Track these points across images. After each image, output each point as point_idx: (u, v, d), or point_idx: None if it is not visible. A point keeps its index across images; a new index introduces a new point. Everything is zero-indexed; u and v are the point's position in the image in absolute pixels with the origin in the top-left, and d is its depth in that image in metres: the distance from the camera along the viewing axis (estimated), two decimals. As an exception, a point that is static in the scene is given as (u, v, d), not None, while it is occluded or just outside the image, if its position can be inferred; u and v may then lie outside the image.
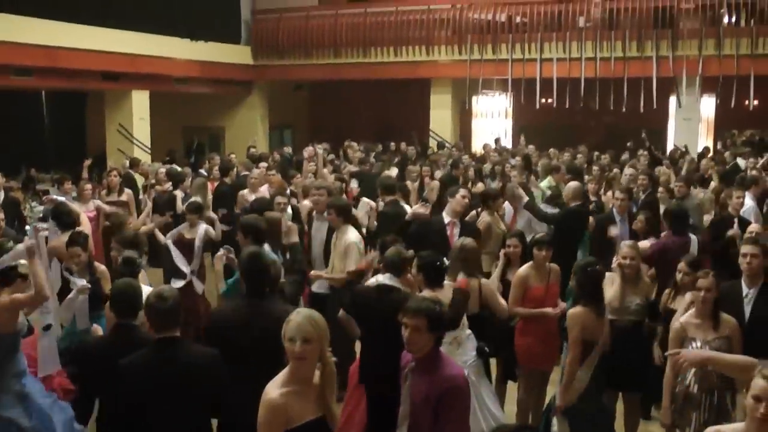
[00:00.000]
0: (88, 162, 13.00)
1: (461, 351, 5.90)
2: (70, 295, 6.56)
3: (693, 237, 8.01)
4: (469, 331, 6.07)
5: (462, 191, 8.58)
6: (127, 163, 14.55)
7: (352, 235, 7.65)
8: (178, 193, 11.03)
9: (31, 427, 5.67)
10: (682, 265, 6.34)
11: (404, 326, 4.29)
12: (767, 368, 3.54)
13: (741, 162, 13.95)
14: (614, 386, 6.29)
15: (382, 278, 5.87)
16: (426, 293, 5.80)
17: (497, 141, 19.23)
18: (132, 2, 17.72)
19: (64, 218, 8.32)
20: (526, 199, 9.39)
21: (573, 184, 9.34)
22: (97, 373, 4.81)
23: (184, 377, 4.37)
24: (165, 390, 4.37)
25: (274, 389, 3.88)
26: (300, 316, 3.92)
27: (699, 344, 5.41)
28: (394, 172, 12.94)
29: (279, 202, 8.91)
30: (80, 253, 7.03)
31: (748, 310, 5.87)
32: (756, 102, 17.74)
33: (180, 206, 10.35)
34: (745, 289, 5.97)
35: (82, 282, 6.62)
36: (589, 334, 5.65)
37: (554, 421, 5.84)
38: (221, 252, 6.60)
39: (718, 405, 5.40)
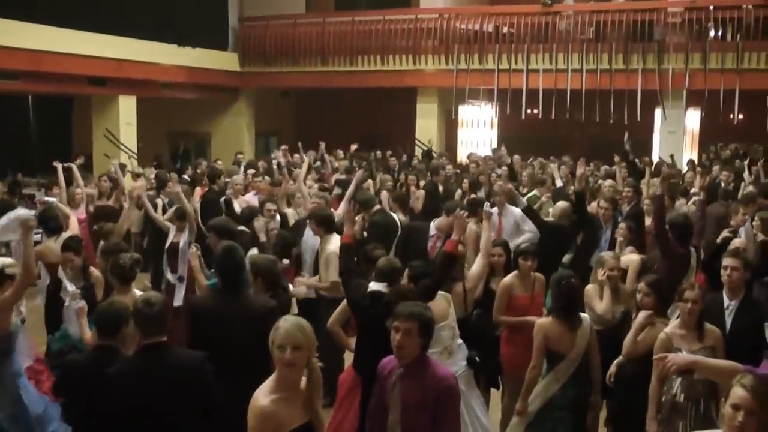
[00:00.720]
0: (80, 161, 12.82)
1: (451, 361, 5.89)
2: (66, 303, 6.55)
3: (693, 250, 8.00)
4: (460, 341, 6.07)
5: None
6: (112, 168, 14.42)
7: (332, 245, 7.71)
8: (159, 201, 10.95)
9: (22, 427, 5.73)
10: (642, 286, 6.04)
11: (395, 330, 4.32)
12: (745, 378, 3.56)
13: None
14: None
15: (375, 286, 5.88)
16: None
17: (495, 151, 19.17)
18: (120, 8, 17.64)
19: (50, 223, 8.28)
20: (520, 198, 9.40)
21: (561, 204, 9.25)
22: (77, 394, 4.92)
23: (172, 381, 4.40)
24: (154, 395, 4.39)
25: (263, 396, 3.89)
26: (288, 323, 3.93)
27: (684, 354, 5.39)
28: (387, 182, 12.87)
29: (269, 209, 8.90)
30: (73, 258, 7.04)
31: (729, 321, 5.98)
32: (741, 116, 17.81)
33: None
34: (726, 301, 6.08)
35: (72, 288, 6.63)
36: (554, 344, 5.80)
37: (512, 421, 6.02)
38: (193, 249, 6.98)
39: (704, 414, 5.42)
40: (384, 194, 10.19)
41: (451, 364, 5.83)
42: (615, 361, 5.86)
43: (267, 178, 13.05)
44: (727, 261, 6.11)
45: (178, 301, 8.51)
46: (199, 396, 4.43)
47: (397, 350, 4.34)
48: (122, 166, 14.87)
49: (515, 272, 6.91)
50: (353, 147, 17.88)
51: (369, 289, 5.91)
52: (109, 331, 4.94)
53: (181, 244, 8.81)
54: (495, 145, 20.88)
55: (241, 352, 4.90)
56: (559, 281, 5.92)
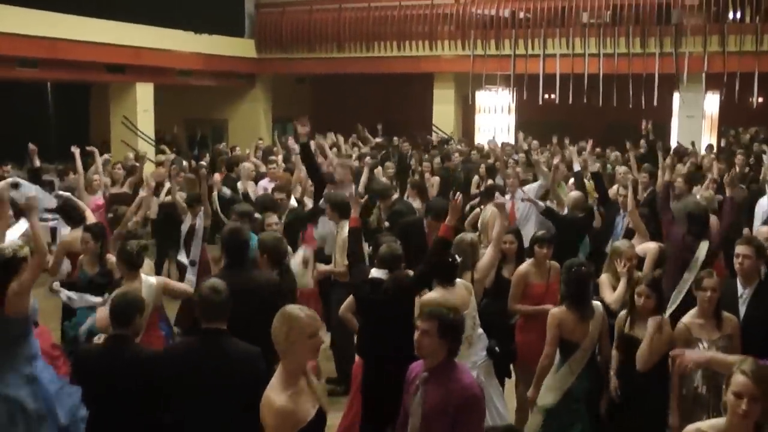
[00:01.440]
0: (94, 150, 12.80)
1: (472, 351, 5.84)
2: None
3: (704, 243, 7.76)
4: (480, 331, 6.03)
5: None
6: (131, 156, 14.44)
7: (347, 230, 7.60)
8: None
9: (35, 409, 5.72)
10: (642, 288, 5.60)
11: (416, 329, 4.27)
12: (745, 363, 3.50)
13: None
14: None
15: (376, 273, 5.86)
16: (437, 291, 5.82)
17: (491, 141, 19.05)
18: (137, -5, 17.65)
19: (72, 213, 8.27)
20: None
21: (575, 194, 9.16)
22: (92, 383, 4.92)
23: (226, 369, 4.47)
24: (205, 379, 4.49)
25: (277, 395, 3.85)
26: (305, 311, 3.99)
27: (705, 344, 5.38)
28: (389, 168, 12.74)
29: (278, 197, 8.83)
30: (89, 240, 7.08)
31: (743, 310, 5.87)
32: (760, 99, 17.61)
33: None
34: (740, 289, 5.97)
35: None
36: (568, 334, 5.72)
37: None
38: None
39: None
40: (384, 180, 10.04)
41: (471, 354, 5.82)
42: (614, 355, 5.79)
43: (282, 164, 13.01)
44: (739, 249, 6.01)
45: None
46: (247, 388, 4.39)
47: (417, 349, 4.27)
48: (141, 154, 14.92)
49: (531, 260, 6.85)
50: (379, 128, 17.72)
51: (370, 275, 5.90)
52: (123, 320, 4.93)
53: (196, 228, 8.85)
54: (512, 131, 20.82)
55: (245, 323, 4.88)
56: (570, 269, 5.84)
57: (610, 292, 6.48)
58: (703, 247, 7.37)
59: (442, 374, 4.21)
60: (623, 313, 5.81)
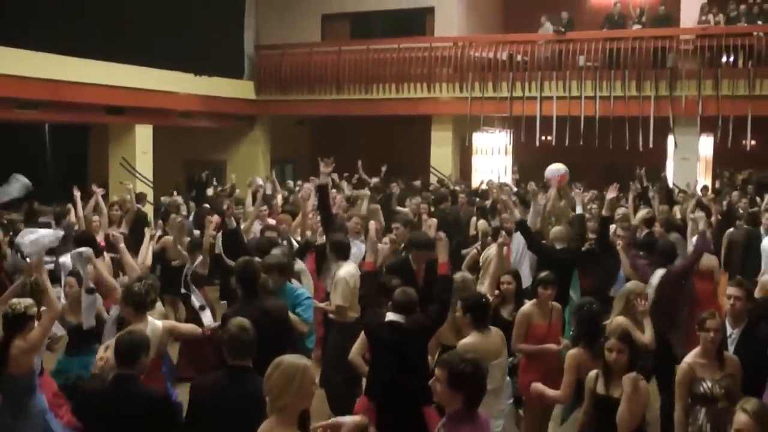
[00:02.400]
0: (101, 191, 12.76)
1: (499, 400, 5.89)
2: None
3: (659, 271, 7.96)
4: (508, 379, 6.06)
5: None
6: (128, 197, 14.35)
7: (343, 270, 7.90)
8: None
9: None
10: (612, 343, 5.29)
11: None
12: (748, 403, 3.56)
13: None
14: None
15: (392, 316, 5.87)
16: (474, 336, 5.92)
17: (489, 182, 19.19)
18: (136, 37, 17.76)
19: (91, 246, 8.34)
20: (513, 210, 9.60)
21: (557, 228, 9.26)
22: (96, 423, 4.95)
23: (252, 407, 4.46)
24: (231, 414, 4.63)
25: None
26: (301, 358, 4.13)
27: (709, 384, 5.43)
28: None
29: (269, 237, 9.03)
30: (73, 284, 7.16)
31: (731, 349, 5.98)
32: (753, 142, 17.84)
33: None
34: (729, 329, 6.11)
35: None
36: (584, 374, 5.69)
37: None
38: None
39: None
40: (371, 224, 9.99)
41: (498, 404, 5.91)
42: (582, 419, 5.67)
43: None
44: (730, 290, 6.18)
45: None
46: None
47: (434, 395, 4.25)
48: (142, 196, 14.96)
49: (534, 301, 6.92)
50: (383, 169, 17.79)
51: (387, 319, 5.91)
52: (129, 360, 4.94)
53: (193, 273, 8.95)
54: (510, 172, 20.93)
55: (263, 349, 4.96)
56: (581, 308, 5.93)
57: (640, 333, 6.53)
58: (658, 273, 7.80)
59: (458, 424, 4.10)
60: (593, 372, 5.48)
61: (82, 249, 7.04)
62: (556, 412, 6.27)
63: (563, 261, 8.32)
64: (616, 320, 6.54)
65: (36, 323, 5.91)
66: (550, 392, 5.96)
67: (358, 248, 8.95)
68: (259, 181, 13.60)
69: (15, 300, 5.96)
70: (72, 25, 16.33)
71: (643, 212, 11.24)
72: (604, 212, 9.44)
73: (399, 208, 13.20)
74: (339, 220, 9.88)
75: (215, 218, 10.89)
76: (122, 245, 7.56)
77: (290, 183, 18.25)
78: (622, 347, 5.22)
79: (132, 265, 7.49)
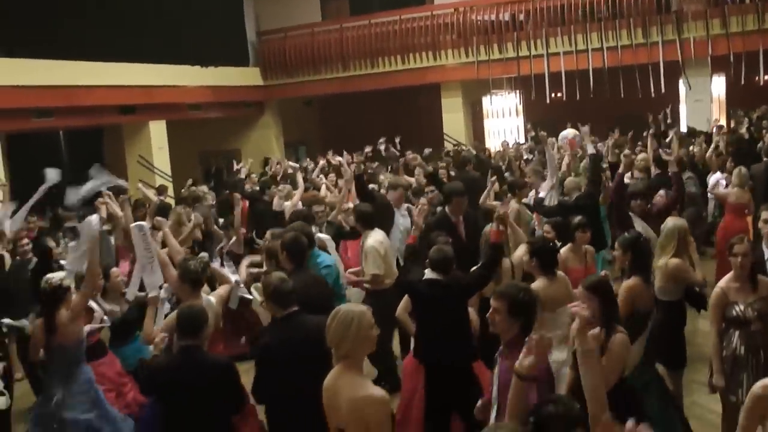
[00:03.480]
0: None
1: (565, 349, 5.93)
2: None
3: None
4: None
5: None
6: (150, 192, 14.59)
7: (370, 239, 7.98)
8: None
9: (108, 430, 6.19)
10: (581, 291, 4.87)
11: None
12: None
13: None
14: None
15: (430, 274, 6.10)
16: (541, 281, 6.08)
17: (504, 142, 19.45)
18: (141, 35, 18.11)
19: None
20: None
21: (569, 180, 9.81)
22: (167, 394, 5.20)
23: (313, 341, 4.76)
24: (297, 354, 5.04)
25: (371, 386, 4.07)
26: (358, 306, 4.36)
27: (741, 307, 5.65)
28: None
29: (317, 211, 9.18)
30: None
31: None
32: (766, 77, 17.92)
33: None
34: (766, 253, 6.38)
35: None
36: (640, 303, 5.78)
37: None
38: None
39: (765, 364, 5.61)
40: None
41: (562, 352, 5.98)
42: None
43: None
44: (765, 214, 6.42)
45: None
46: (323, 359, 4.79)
47: (491, 326, 4.49)
48: (163, 188, 15.31)
49: (569, 245, 7.20)
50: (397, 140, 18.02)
51: (425, 277, 6.14)
52: (192, 331, 5.19)
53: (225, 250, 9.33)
54: (522, 133, 21.18)
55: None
56: (636, 240, 6.05)
57: (693, 272, 6.70)
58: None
59: (516, 348, 4.22)
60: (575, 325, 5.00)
61: (140, 223, 7.26)
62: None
63: (582, 207, 8.55)
64: (672, 262, 6.58)
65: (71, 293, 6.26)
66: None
67: (403, 216, 9.45)
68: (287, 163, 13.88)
69: (49, 275, 6.35)
70: (76, 30, 16.61)
71: (641, 156, 11.63)
72: (610, 158, 9.74)
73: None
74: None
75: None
76: (166, 229, 7.88)
77: (308, 162, 18.41)
78: (590, 296, 4.71)
79: (177, 248, 7.76)
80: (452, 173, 13.04)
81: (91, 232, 6.38)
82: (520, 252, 6.93)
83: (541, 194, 9.86)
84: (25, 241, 9.26)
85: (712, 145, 13.00)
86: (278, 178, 14.65)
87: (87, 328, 6.55)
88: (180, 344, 5.26)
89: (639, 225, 7.89)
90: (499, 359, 4.49)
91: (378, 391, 4.03)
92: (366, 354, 4.24)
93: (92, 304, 6.91)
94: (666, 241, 6.67)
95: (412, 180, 12.59)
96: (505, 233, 6.97)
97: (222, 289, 6.68)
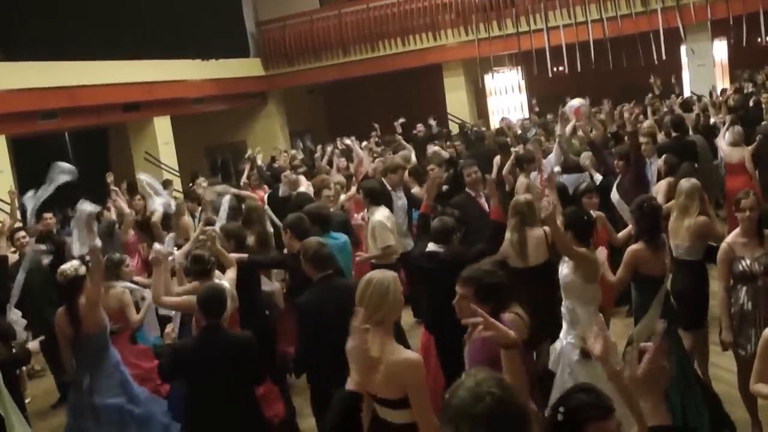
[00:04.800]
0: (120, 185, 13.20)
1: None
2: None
3: None
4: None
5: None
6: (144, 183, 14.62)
7: (377, 214, 8.20)
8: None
9: (139, 412, 6.38)
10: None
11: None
12: None
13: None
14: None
15: (431, 246, 6.25)
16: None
17: (504, 119, 19.56)
18: (139, 31, 18.24)
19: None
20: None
21: (586, 154, 9.99)
22: (192, 373, 5.34)
23: (346, 299, 4.81)
24: (336, 310, 4.93)
25: (407, 351, 4.18)
26: (385, 272, 4.45)
27: (748, 261, 5.75)
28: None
29: (327, 195, 9.27)
30: None
31: None
32: (768, 38, 18.00)
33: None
34: None
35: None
36: (647, 269, 5.83)
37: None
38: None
39: None
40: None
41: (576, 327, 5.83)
42: None
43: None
44: None
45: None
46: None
47: (458, 314, 4.22)
48: (168, 182, 15.49)
49: None
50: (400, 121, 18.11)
51: (426, 249, 6.25)
52: (215, 312, 5.35)
53: None
54: (526, 109, 21.27)
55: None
56: (642, 205, 6.03)
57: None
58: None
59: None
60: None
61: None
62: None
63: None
64: (699, 220, 6.56)
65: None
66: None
67: (400, 199, 9.55)
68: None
69: (63, 267, 6.46)
70: (78, 30, 16.77)
71: (647, 123, 11.75)
72: (617, 126, 9.88)
73: (432, 148, 13.61)
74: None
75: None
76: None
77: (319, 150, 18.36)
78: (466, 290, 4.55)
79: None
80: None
81: (80, 214, 6.44)
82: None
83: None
84: (22, 234, 9.35)
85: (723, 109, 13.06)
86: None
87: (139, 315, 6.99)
88: (202, 325, 5.42)
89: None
90: (468, 341, 4.33)
91: (415, 355, 4.12)
92: (396, 319, 4.33)
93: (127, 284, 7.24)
94: (688, 201, 6.67)
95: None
96: (504, 210, 6.99)
97: (231, 272, 6.73)
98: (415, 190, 10.05)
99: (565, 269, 5.71)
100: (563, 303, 5.81)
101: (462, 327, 5.50)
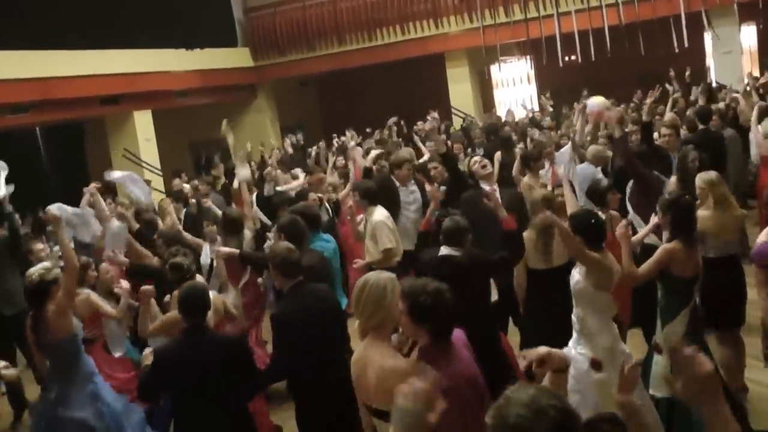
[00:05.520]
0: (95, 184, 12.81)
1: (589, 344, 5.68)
2: None
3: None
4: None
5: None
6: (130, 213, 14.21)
7: (377, 214, 8.14)
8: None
9: (104, 427, 6.11)
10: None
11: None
12: None
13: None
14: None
15: (445, 250, 5.95)
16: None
17: (509, 112, 19.19)
18: (120, 20, 17.95)
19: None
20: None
21: (593, 147, 9.67)
22: (176, 375, 5.06)
23: (324, 305, 5.33)
24: (320, 316, 5.24)
25: (400, 358, 4.03)
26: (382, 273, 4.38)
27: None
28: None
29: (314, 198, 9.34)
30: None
31: None
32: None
33: None
34: None
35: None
36: (681, 269, 5.73)
37: (656, 358, 5.84)
38: None
39: None
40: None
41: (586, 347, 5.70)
42: None
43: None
44: None
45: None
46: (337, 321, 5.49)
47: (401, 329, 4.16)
48: (147, 182, 14.95)
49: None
50: (393, 120, 17.71)
51: (439, 254, 5.97)
52: (196, 310, 5.15)
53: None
54: (536, 101, 20.81)
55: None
56: (677, 202, 5.92)
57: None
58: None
59: (428, 359, 3.92)
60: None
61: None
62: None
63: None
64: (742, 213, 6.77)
65: (58, 286, 6.15)
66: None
67: (412, 193, 9.37)
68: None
69: (30, 270, 6.27)
70: (50, 17, 16.39)
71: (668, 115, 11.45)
72: (644, 117, 9.64)
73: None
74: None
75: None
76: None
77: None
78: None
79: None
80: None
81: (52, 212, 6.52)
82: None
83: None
84: None
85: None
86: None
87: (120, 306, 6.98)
88: (184, 327, 5.22)
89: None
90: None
91: (404, 362, 3.98)
92: (395, 323, 4.14)
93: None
94: (725, 190, 6.76)
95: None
96: (517, 212, 6.92)
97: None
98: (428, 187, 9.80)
99: (576, 275, 5.59)
100: (573, 311, 5.66)
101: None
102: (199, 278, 6.73)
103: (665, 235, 6.13)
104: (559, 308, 5.86)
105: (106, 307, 7.11)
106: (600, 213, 6.59)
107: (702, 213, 6.47)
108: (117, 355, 7.31)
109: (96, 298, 7.13)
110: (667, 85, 15.09)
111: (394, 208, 8.89)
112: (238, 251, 7.63)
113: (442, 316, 4.00)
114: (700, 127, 10.80)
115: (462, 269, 5.72)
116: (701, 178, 6.83)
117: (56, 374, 6.23)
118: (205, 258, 8.39)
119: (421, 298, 3.94)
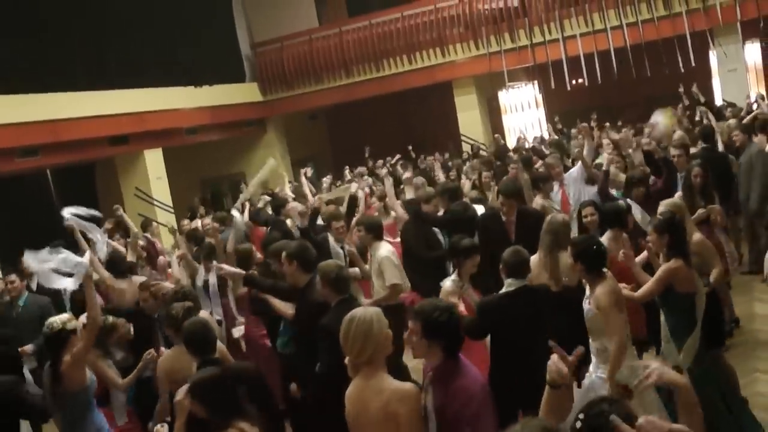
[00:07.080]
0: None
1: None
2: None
3: None
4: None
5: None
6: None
7: (383, 250, 8.23)
8: None
9: None
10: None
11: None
12: None
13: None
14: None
15: (515, 283, 5.86)
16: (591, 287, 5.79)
17: (520, 139, 19.31)
18: (128, 59, 18.10)
19: (118, 266, 9.00)
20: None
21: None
22: None
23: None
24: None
25: (398, 382, 4.18)
26: (369, 309, 4.46)
27: None
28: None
29: (336, 227, 9.16)
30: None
31: None
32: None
33: None
34: None
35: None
36: (685, 286, 5.81)
37: None
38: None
39: None
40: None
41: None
42: None
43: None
44: None
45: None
46: None
47: (412, 351, 4.29)
48: (148, 222, 15.23)
49: (610, 233, 7.09)
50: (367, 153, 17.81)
51: (505, 289, 5.89)
52: (206, 346, 5.35)
53: (210, 284, 9.05)
54: (545, 126, 20.97)
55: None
56: (672, 222, 6.04)
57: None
58: None
59: (443, 375, 4.13)
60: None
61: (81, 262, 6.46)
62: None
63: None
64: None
65: (76, 337, 6.18)
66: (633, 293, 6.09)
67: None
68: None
69: (51, 319, 6.29)
70: (58, 59, 16.63)
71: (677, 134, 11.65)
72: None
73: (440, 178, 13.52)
74: None
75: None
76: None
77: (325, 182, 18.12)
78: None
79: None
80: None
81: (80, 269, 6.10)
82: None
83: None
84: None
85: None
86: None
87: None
88: (198, 361, 5.33)
89: (637, 211, 8.10)
90: (430, 387, 4.18)
91: (407, 385, 4.17)
92: (386, 355, 4.26)
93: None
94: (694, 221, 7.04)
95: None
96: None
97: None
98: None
99: (587, 305, 5.68)
100: (590, 341, 5.69)
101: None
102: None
103: (662, 256, 6.16)
104: (566, 332, 5.43)
105: (114, 376, 6.78)
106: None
107: None
108: (120, 423, 7.04)
109: (104, 366, 6.79)
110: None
111: None
112: (243, 272, 7.49)
113: (455, 332, 4.20)
114: (703, 146, 10.95)
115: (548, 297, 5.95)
116: (665, 204, 6.96)
117: (68, 424, 6.23)
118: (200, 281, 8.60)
119: (434, 314, 4.13)
